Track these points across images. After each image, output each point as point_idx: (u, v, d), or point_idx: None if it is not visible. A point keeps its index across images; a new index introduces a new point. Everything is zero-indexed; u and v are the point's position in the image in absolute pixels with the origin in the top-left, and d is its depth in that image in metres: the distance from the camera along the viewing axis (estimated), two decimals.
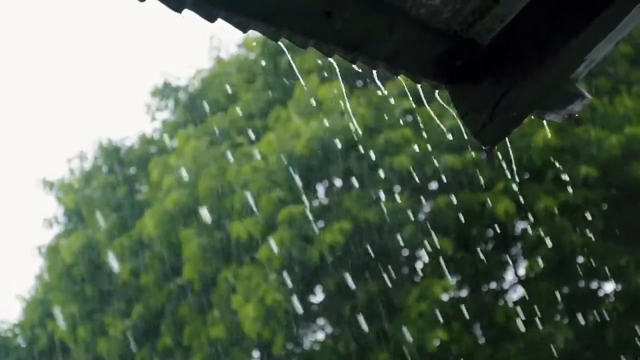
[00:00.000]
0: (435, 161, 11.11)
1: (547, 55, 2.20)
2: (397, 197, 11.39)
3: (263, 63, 13.71)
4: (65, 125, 32.67)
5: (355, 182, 11.57)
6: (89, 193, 14.94)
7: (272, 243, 11.17)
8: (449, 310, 11.31)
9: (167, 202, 12.64)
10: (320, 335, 12.82)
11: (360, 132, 11.50)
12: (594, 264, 11.73)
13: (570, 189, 11.05)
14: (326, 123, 11.50)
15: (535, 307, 11.48)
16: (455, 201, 10.97)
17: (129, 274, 13.35)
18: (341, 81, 12.22)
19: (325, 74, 12.11)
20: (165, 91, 15.34)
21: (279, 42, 1.84)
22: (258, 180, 11.79)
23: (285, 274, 11.34)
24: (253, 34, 1.79)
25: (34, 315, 15.26)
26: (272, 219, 11.54)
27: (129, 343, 13.34)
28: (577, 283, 12.26)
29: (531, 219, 11.38)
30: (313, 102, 11.93)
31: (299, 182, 11.57)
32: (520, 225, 12.11)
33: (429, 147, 11.24)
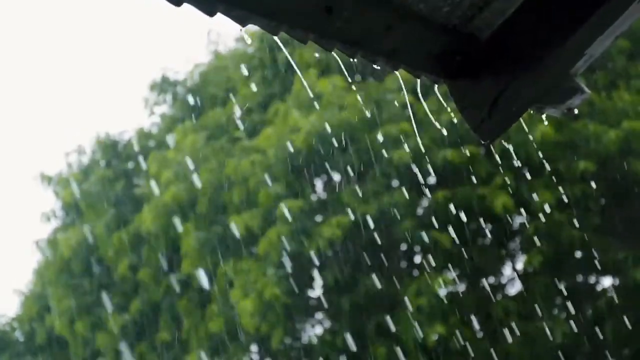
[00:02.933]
0: (433, 156, 11.11)
1: (547, 50, 2.19)
2: (396, 191, 11.39)
3: (262, 56, 13.71)
4: (63, 119, 32.67)
5: (353, 176, 11.56)
6: (87, 187, 14.93)
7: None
8: (447, 304, 11.32)
9: (166, 197, 12.63)
10: (319, 330, 12.82)
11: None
12: (592, 259, 11.75)
13: (568, 184, 11.05)
14: (325, 117, 11.50)
15: (533, 301, 11.50)
16: (453, 196, 10.98)
17: (127, 268, 13.35)
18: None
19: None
20: (164, 85, 15.34)
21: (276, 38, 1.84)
22: (256, 174, 11.79)
23: (283, 269, 11.34)
24: (252, 27, 1.79)
25: (32, 309, 15.26)
26: (270, 214, 11.54)
27: (127, 337, 13.36)
28: (575, 277, 12.28)
29: (529, 213, 11.39)
30: (312, 95, 11.93)
31: (297, 176, 11.57)
32: (519, 220, 12.12)
33: (428, 142, 11.24)
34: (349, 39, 1.91)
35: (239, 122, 13.05)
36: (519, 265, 12.34)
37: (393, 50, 2.04)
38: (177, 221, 12.52)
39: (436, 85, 2.30)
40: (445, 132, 10.89)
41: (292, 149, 11.49)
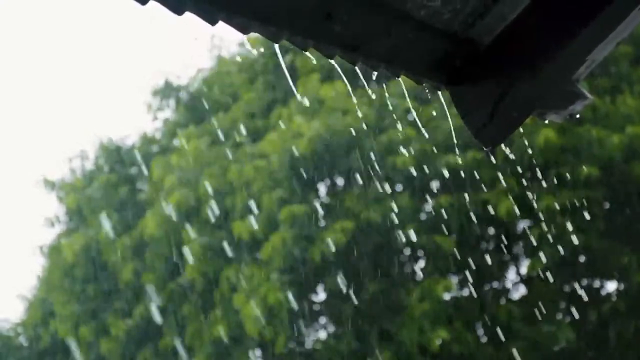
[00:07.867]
0: (437, 161, 11.09)
1: (548, 56, 2.19)
2: (399, 196, 11.39)
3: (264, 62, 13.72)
4: (67, 124, 32.70)
5: (357, 181, 11.56)
6: (91, 193, 14.93)
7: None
8: (450, 309, 11.31)
9: (169, 202, 12.62)
10: (323, 335, 12.81)
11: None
12: (595, 263, 11.73)
13: (572, 189, 11.04)
14: (328, 122, 11.49)
15: (537, 305, 11.48)
16: (457, 201, 10.96)
17: (130, 273, 13.34)
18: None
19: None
20: (167, 90, 15.33)
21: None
22: (260, 179, 11.78)
23: (287, 274, 11.33)
24: (254, 34, 1.79)
25: (36, 314, 15.26)
26: (274, 219, 11.53)
27: (131, 343, 13.34)
28: (579, 282, 12.26)
29: (533, 218, 11.37)
30: (315, 101, 11.93)
31: (301, 181, 11.56)
32: (522, 225, 12.10)
33: (432, 147, 11.23)
34: (349, 45, 1.91)
35: (242, 127, 13.03)
36: (523, 270, 12.33)
37: (393, 56, 2.03)
38: (180, 226, 12.51)
39: (439, 91, 2.30)
40: (447, 137, 10.89)
41: (295, 154, 11.49)
